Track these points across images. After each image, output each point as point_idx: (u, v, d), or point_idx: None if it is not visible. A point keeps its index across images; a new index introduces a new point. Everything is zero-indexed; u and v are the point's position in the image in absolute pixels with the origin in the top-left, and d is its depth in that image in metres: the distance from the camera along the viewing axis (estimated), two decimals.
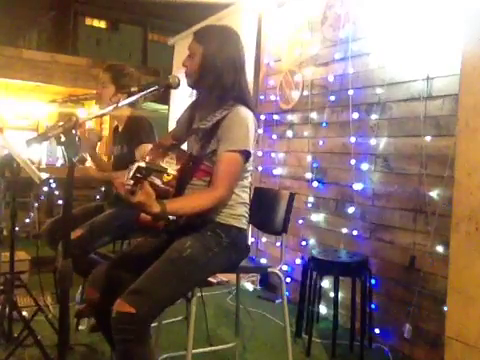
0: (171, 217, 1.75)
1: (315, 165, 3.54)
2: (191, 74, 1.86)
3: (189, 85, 1.90)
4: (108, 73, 2.66)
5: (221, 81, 1.81)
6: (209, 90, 1.83)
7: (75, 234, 2.30)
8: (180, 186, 1.81)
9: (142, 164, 1.49)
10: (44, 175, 2.35)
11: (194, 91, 1.95)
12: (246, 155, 1.80)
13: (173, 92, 5.51)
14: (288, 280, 3.63)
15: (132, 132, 2.59)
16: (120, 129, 2.75)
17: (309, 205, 3.56)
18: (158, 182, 1.64)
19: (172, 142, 2.04)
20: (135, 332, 1.56)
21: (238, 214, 1.88)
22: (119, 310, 1.56)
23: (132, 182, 1.49)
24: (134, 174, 1.48)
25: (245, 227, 1.93)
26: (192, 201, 1.75)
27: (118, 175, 2.57)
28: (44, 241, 2.58)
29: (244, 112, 1.81)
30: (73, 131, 1.35)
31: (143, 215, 1.70)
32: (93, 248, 2.50)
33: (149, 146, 2.47)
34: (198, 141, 1.89)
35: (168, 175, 1.71)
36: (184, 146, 2.03)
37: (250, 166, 1.92)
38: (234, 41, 1.89)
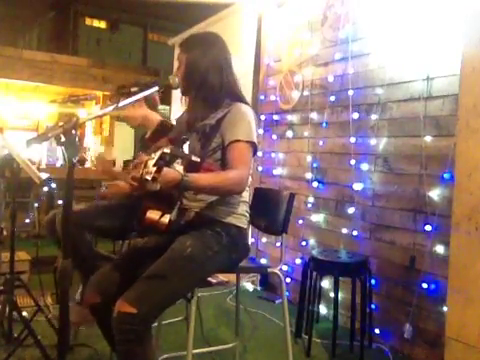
0: (174, 216, 1.75)
1: (315, 165, 3.54)
2: (180, 83, 1.89)
3: (182, 94, 1.94)
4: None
5: (207, 83, 1.85)
6: (197, 93, 1.87)
7: (78, 207, 2.29)
8: None
9: (167, 150, 1.47)
10: (44, 175, 2.35)
11: (185, 98, 1.97)
12: (252, 146, 1.83)
13: (174, 92, 5.51)
14: (288, 280, 3.63)
15: (161, 137, 2.57)
16: (148, 136, 2.75)
17: (309, 205, 3.56)
18: (180, 169, 1.62)
19: (170, 143, 2.04)
20: (136, 332, 1.56)
21: (239, 213, 1.89)
22: (120, 310, 1.56)
23: (155, 169, 1.46)
24: (158, 160, 1.46)
25: (245, 226, 1.93)
26: (216, 176, 1.76)
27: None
28: (44, 230, 2.59)
29: (244, 107, 1.86)
30: (73, 131, 1.35)
31: (148, 216, 1.70)
32: (92, 225, 2.47)
33: None
34: (199, 140, 1.90)
35: (193, 160, 1.68)
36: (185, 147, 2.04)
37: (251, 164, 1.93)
38: (217, 44, 1.93)
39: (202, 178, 1.70)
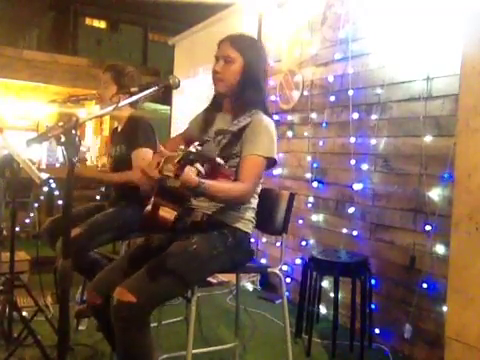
0: (181, 214, 1.75)
1: (315, 165, 3.54)
2: (227, 81, 1.87)
3: (221, 91, 1.90)
4: (109, 73, 2.68)
5: (261, 91, 1.89)
6: (249, 98, 1.86)
7: (74, 232, 2.30)
8: None
9: (193, 149, 1.47)
10: (44, 175, 2.35)
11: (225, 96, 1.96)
12: (270, 162, 1.85)
13: (175, 92, 5.50)
14: (288, 280, 3.63)
15: (131, 133, 2.59)
16: (119, 129, 2.76)
17: (309, 205, 3.57)
18: (202, 170, 1.62)
19: (183, 144, 2.03)
20: (135, 320, 1.58)
21: (246, 218, 1.90)
22: (120, 298, 1.58)
23: (178, 166, 1.44)
24: (182, 158, 1.45)
25: (250, 232, 1.95)
26: (223, 185, 1.77)
27: (113, 176, 2.61)
28: (44, 240, 2.59)
29: (267, 120, 1.87)
30: (73, 131, 1.35)
31: (163, 214, 1.69)
32: (92, 247, 2.51)
33: (146, 150, 2.48)
34: (218, 144, 1.88)
35: (220, 165, 1.68)
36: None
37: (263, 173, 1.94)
38: (265, 52, 1.98)
39: (214, 186, 1.69)
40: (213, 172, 1.79)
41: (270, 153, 1.83)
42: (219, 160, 1.63)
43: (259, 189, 1.96)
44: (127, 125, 2.68)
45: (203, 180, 1.62)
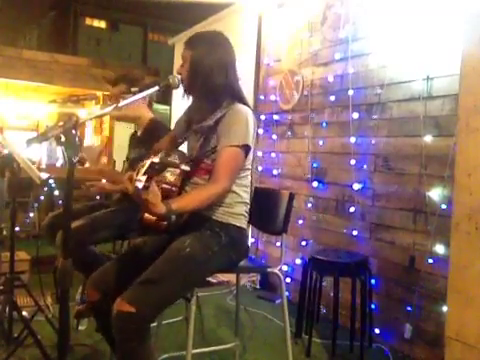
0: (173, 217, 1.75)
1: (315, 165, 3.54)
2: (183, 80, 1.88)
3: (184, 91, 1.93)
4: (123, 84, 2.65)
5: (211, 82, 1.84)
6: (200, 92, 1.86)
7: (75, 224, 2.30)
8: (182, 186, 1.82)
9: (156, 159, 1.48)
10: (44, 175, 2.35)
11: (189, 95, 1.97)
12: (246, 150, 1.83)
13: (174, 92, 5.51)
14: (288, 280, 3.63)
15: (153, 135, 2.58)
16: (139, 133, 2.76)
17: (309, 205, 3.57)
18: (171, 178, 1.61)
19: (170, 144, 2.04)
20: (135, 331, 1.57)
21: (237, 213, 1.88)
22: (119, 309, 1.57)
23: (145, 177, 1.46)
24: (147, 169, 1.47)
25: (244, 226, 1.93)
26: (197, 196, 1.76)
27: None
28: (43, 236, 2.59)
29: (242, 109, 1.85)
30: (73, 131, 1.35)
31: (147, 215, 1.70)
32: (91, 241, 2.51)
33: None
34: (197, 141, 1.90)
35: (182, 169, 1.67)
36: (183, 147, 2.04)
37: (249, 165, 1.93)
38: (222, 44, 1.93)
39: (188, 205, 1.69)
40: (195, 168, 1.80)
41: (245, 140, 1.80)
42: (184, 167, 1.64)
43: (248, 181, 1.94)
44: (148, 128, 2.68)
45: (171, 205, 1.60)
